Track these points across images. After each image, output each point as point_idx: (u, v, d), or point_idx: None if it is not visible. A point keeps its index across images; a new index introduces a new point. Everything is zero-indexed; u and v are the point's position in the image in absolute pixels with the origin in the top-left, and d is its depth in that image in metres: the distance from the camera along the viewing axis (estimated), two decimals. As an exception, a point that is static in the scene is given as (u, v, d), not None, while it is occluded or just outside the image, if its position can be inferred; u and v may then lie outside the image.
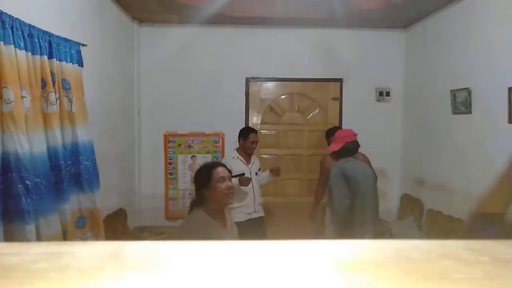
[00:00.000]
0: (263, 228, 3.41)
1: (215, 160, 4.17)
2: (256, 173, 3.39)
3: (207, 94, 4.20)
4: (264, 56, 4.21)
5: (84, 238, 2.46)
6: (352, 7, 3.48)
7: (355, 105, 4.28)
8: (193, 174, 4.25)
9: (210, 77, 4.19)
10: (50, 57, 2.15)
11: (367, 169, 2.76)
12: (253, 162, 3.40)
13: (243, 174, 3.14)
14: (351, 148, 2.72)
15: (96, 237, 2.53)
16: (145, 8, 3.61)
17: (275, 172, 3.43)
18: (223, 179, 1.94)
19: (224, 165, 2.03)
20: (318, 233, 3.45)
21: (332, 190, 2.67)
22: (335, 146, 2.76)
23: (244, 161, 3.34)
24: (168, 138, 4.24)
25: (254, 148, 3.37)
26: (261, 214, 3.41)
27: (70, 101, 2.34)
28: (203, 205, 1.95)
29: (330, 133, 3.32)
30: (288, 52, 4.21)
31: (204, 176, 1.96)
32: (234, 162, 3.27)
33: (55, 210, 2.06)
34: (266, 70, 4.23)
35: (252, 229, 3.12)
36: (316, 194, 3.53)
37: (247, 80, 4.25)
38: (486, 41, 2.91)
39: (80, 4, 2.73)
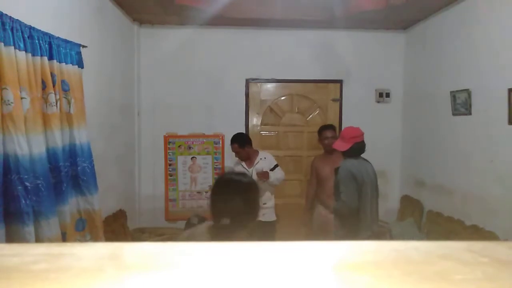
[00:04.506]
0: (270, 234, 3.22)
1: (229, 167, 4.12)
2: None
3: (207, 95, 4.20)
4: (264, 57, 4.22)
5: (83, 240, 2.46)
6: (351, 8, 3.48)
7: (355, 106, 4.28)
8: (193, 175, 4.28)
9: (210, 78, 4.20)
10: (50, 58, 2.15)
11: (371, 169, 2.76)
12: (257, 163, 3.35)
13: None
14: (359, 149, 2.70)
15: (95, 239, 2.53)
16: (145, 9, 3.62)
17: (262, 175, 3.18)
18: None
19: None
20: (310, 237, 3.38)
21: (343, 189, 2.62)
22: (343, 146, 2.69)
23: (245, 165, 3.36)
24: (168, 139, 4.24)
25: (237, 156, 3.41)
26: (268, 219, 3.26)
27: (69, 102, 2.34)
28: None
29: (324, 129, 3.39)
30: (288, 53, 4.22)
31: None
32: (235, 167, 3.46)
33: (54, 212, 2.05)
34: (266, 71, 4.24)
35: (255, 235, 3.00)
36: (307, 196, 3.53)
37: (247, 81, 4.25)
38: (485, 42, 2.92)
39: (80, 5, 2.74)
